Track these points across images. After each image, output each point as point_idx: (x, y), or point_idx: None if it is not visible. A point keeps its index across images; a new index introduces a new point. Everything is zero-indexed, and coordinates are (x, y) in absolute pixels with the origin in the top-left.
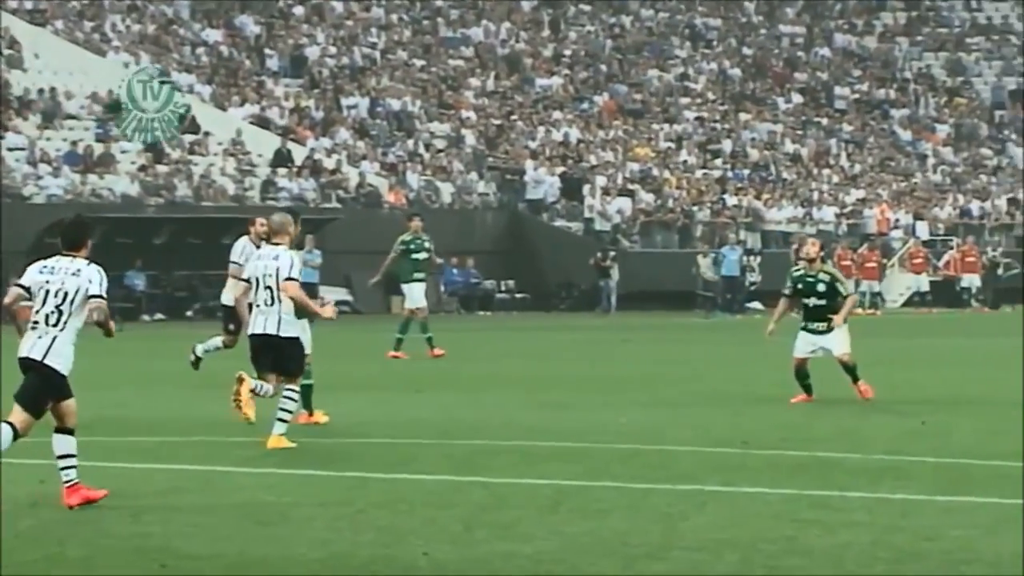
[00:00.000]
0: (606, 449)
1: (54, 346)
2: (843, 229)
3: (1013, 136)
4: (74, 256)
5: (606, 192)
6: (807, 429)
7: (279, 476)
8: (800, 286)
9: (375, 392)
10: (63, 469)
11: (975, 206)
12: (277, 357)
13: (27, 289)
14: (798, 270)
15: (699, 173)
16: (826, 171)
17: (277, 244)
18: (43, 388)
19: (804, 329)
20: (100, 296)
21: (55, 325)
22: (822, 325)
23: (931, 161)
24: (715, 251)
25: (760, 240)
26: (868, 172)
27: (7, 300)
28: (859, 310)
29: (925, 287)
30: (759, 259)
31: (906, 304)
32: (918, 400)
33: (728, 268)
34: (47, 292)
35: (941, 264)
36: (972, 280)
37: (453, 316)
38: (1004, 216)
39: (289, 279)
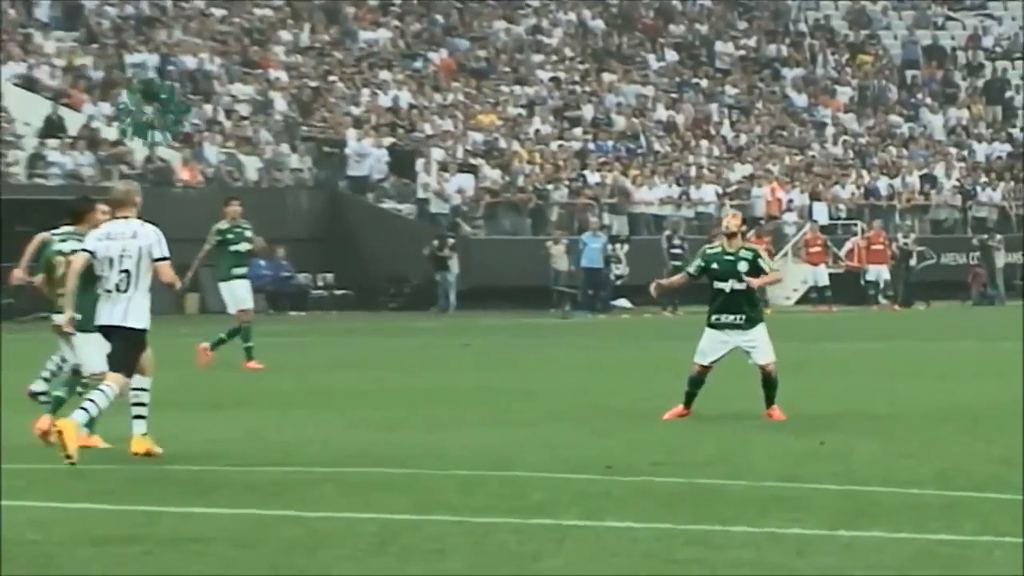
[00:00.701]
0: (442, 476)
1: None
2: (726, 211)
3: (928, 100)
4: (127, 217)
5: (444, 168)
6: (683, 451)
7: (47, 510)
8: (715, 266)
9: (166, 409)
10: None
11: (883, 184)
12: (116, 349)
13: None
14: (713, 248)
15: (555, 145)
16: (706, 143)
17: (126, 218)
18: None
19: (713, 326)
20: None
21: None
22: (739, 318)
23: (831, 131)
24: (573, 239)
25: (628, 225)
26: (756, 144)
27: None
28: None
29: (824, 280)
30: (627, 248)
31: (801, 301)
32: (815, 416)
33: (590, 259)
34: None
35: (843, 253)
36: (879, 272)
37: (260, 317)
38: (917, 196)
39: (164, 259)
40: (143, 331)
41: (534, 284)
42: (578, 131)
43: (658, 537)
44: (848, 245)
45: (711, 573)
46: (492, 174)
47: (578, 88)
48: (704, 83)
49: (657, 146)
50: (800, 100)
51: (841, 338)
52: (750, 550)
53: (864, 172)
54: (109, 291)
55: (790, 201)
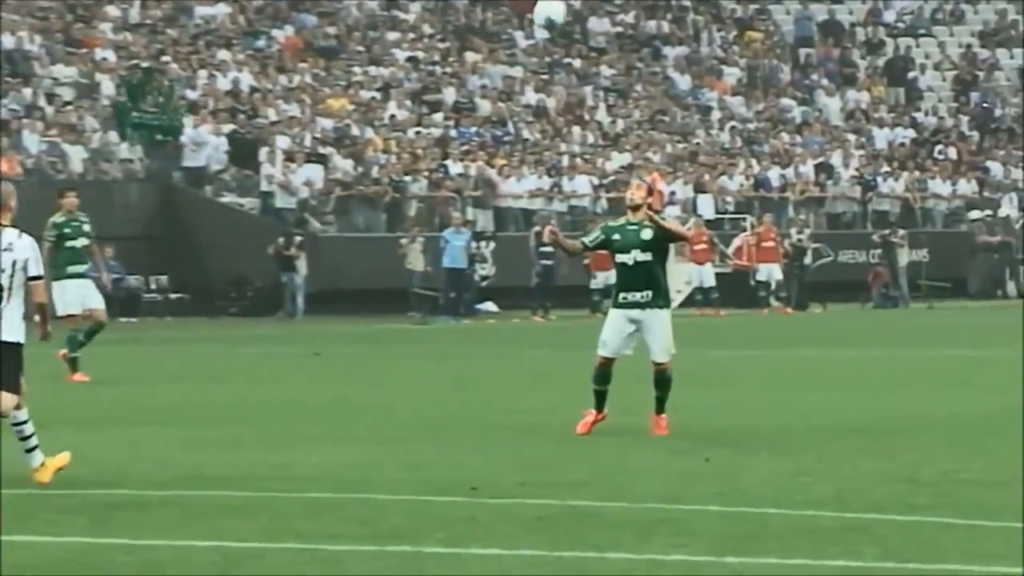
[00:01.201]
0: (290, 499)
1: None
2: (602, 205)
3: (824, 82)
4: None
5: (290, 158)
6: (555, 470)
7: None
8: (616, 237)
9: None
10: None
11: (774, 174)
12: None
13: None
14: (615, 220)
15: (413, 132)
16: (579, 129)
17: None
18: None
19: (619, 306)
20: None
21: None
22: (644, 295)
23: (717, 116)
24: (433, 236)
25: (494, 220)
26: (635, 130)
27: None
28: None
29: (710, 281)
30: (492, 246)
31: (685, 304)
32: (700, 431)
33: (452, 258)
34: None
35: (731, 251)
36: (771, 271)
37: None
38: (812, 187)
39: (37, 279)
40: (20, 345)
41: (391, 286)
42: (438, 116)
43: (528, 564)
44: (736, 242)
45: None
46: (343, 164)
47: (438, 69)
48: (577, 63)
49: (526, 133)
50: (683, 82)
51: (729, 344)
52: None
53: (754, 161)
54: None
55: (672, 194)
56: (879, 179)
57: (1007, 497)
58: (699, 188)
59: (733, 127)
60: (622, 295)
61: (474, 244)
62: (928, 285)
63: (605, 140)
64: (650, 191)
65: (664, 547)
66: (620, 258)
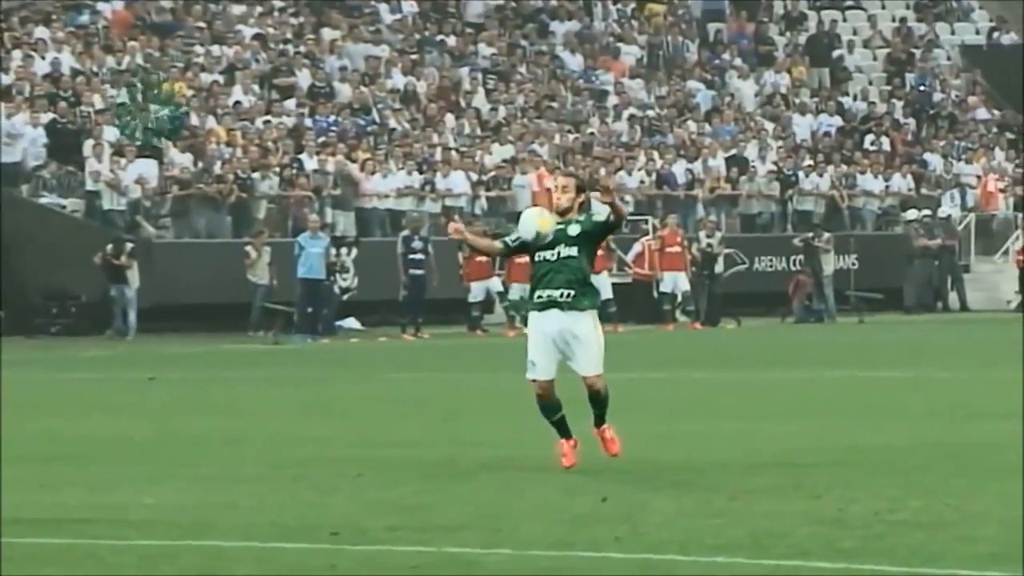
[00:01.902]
0: (121, 547)
1: None
2: (481, 205)
3: (736, 62)
4: None
5: (119, 152)
6: (429, 512)
7: None
8: (539, 232)
9: None
10: None
11: (680, 169)
12: None
13: None
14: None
15: (261, 121)
16: (454, 118)
17: None
18: None
19: (537, 307)
20: None
21: None
22: (566, 294)
23: (613, 101)
24: (285, 241)
25: (356, 224)
26: (518, 119)
27: None
28: (509, 331)
29: (606, 292)
30: (355, 253)
31: None
32: (595, 467)
33: (308, 267)
34: None
35: (630, 258)
36: (677, 281)
37: None
38: (723, 184)
39: None
40: None
41: (238, 300)
42: (291, 103)
43: None
44: (637, 248)
45: None
46: (181, 159)
47: (291, 48)
48: (452, 41)
49: (393, 122)
50: (574, 62)
51: (628, 365)
52: None
53: (656, 154)
54: None
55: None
56: (801, 174)
57: (947, 540)
58: (592, 185)
59: (632, 115)
60: (539, 293)
61: (333, 251)
62: (857, 296)
63: (484, 130)
64: (580, 188)
65: None
66: (542, 255)
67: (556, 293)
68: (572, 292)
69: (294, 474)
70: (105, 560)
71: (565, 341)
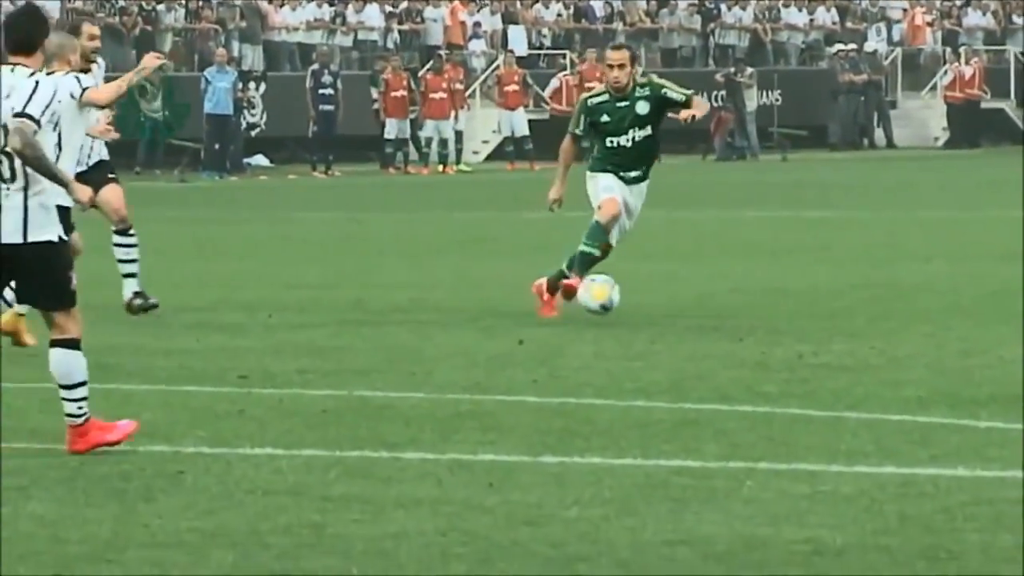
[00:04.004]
0: (22, 390)
1: (29, 211)
2: (394, 38)
3: None
4: (23, 64)
5: None
6: (339, 355)
7: None
8: (604, 118)
9: None
10: (73, 401)
11: (598, 2)
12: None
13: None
14: (597, 96)
15: None
16: None
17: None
18: (49, 271)
19: (612, 172)
20: (23, 115)
21: (12, 180)
22: (640, 173)
23: None
24: (192, 76)
25: (264, 58)
26: None
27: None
28: (424, 168)
29: (523, 129)
30: (263, 88)
31: (493, 156)
32: (511, 308)
33: (215, 102)
34: None
35: (547, 93)
36: None
37: None
38: (643, 17)
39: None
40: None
41: (137, 136)
42: None
43: (307, 466)
44: (554, 83)
45: (378, 513)
46: None
47: None
48: None
49: None
50: None
51: (544, 205)
52: (428, 482)
53: None
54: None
55: (477, 25)
56: (722, 7)
57: (872, 384)
58: (509, 18)
59: None
60: (615, 170)
61: (241, 86)
62: (781, 133)
63: None
64: (633, 59)
65: (470, 445)
66: (613, 140)
67: (629, 175)
68: (645, 169)
69: (199, 316)
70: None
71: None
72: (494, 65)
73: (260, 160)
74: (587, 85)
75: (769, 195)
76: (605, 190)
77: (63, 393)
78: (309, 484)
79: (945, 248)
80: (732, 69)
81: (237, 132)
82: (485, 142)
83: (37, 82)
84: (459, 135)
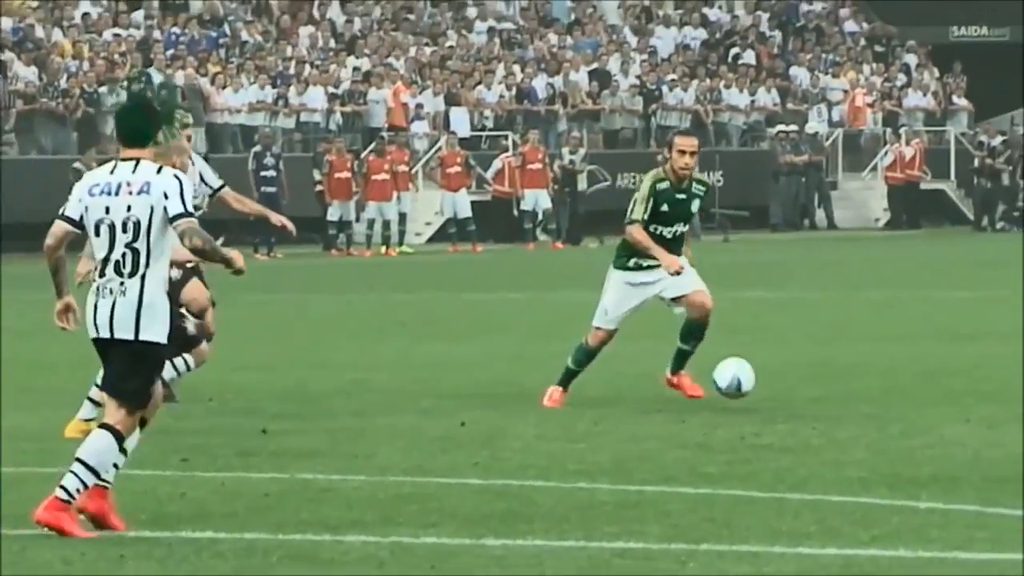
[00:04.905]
0: None
1: (143, 308)
2: (337, 120)
3: None
4: (138, 159)
5: None
6: (281, 437)
7: None
8: (665, 208)
9: None
10: (79, 479)
11: (540, 83)
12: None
13: (78, 223)
14: (662, 183)
15: (109, 34)
16: (310, 29)
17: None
18: (142, 369)
19: (629, 268)
20: (186, 214)
21: (132, 274)
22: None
23: (472, 12)
24: None
25: (207, 139)
26: (374, 31)
27: (49, 242)
28: (366, 250)
29: (465, 211)
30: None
31: (436, 237)
32: (453, 390)
33: None
34: (111, 226)
35: (490, 175)
36: (538, 199)
37: None
38: (586, 98)
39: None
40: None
41: None
42: (139, 15)
43: (248, 550)
44: (497, 164)
45: None
46: (26, 73)
47: None
48: None
49: (245, 35)
50: None
51: (488, 286)
52: (370, 565)
53: (516, 68)
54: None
55: (419, 107)
56: (664, 88)
57: (814, 465)
58: (451, 100)
59: (491, 27)
60: (636, 260)
61: None
62: (723, 214)
63: (339, 43)
64: (699, 146)
65: (412, 528)
66: (661, 230)
67: (648, 263)
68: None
69: None
70: None
71: (664, 289)
72: (436, 147)
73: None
74: (529, 168)
75: (710, 276)
76: (600, 316)
77: (76, 467)
78: (251, 567)
79: (885, 328)
80: None
81: None
82: (428, 224)
83: (178, 177)
84: (403, 217)
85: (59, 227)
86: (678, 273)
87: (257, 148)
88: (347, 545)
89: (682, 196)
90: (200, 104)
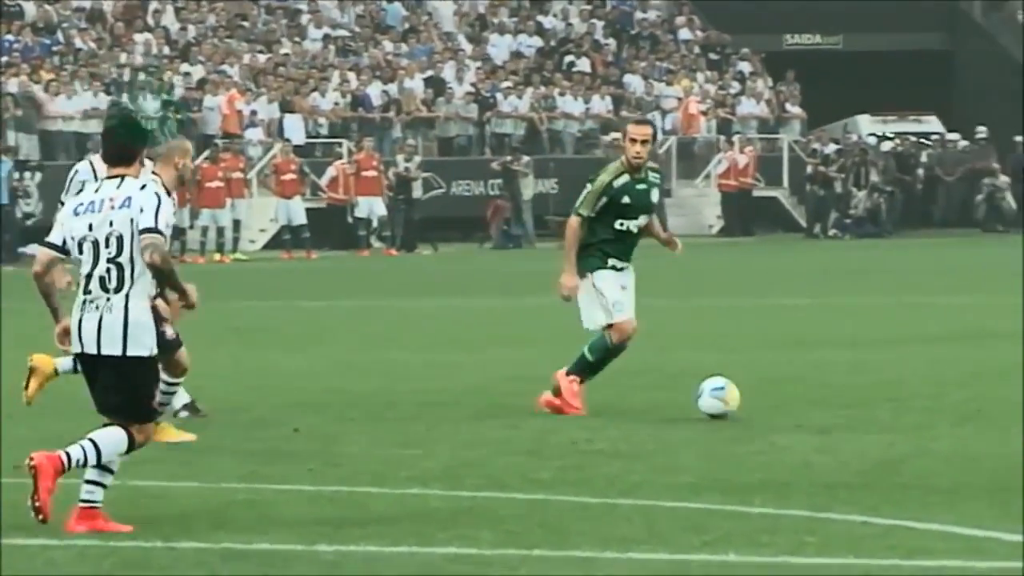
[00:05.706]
0: None
1: (130, 323)
2: (171, 128)
3: None
4: (123, 175)
5: None
6: None
7: None
8: (626, 200)
9: None
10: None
11: (375, 91)
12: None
13: (61, 248)
14: (620, 177)
15: None
16: (145, 36)
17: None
18: (137, 386)
19: (611, 267)
20: (154, 229)
21: (118, 290)
22: (627, 264)
23: (307, 20)
24: None
25: (40, 147)
26: (208, 38)
27: (36, 269)
28: (200, 258)
29: (300, 218)
30: (39, 177)
31: (270, 244)
32: (286, 398)
33: None
34: (95, 242)
35: (324, 182)
36: (372, 206)
37: None
38: (420, 106)
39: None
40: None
41: None
42: None
43: (79, 558)
44: (331, 171)
45: None
46: None
47: None
48: None
49: (78, 42)
50: None
51: (321, 294)
52: (202, 571)
53: (351, 75)
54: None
55: (253, 114)
56: (499, 96)
57: (645, 471)
58: (286, 107)
59: (326, 34)
60: (611, 257)
61: (16, 175)
62: (558, 221)
63: (173, 50)
64: (654, 135)
65: (243, 534)
66: (624, 225)
67: (622, 264)
68: (631, 259)
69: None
70: None
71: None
72: (271, 154)
73: (35, 249)
74: (363, 174)
75: (545, 283)
76: (617, 308)
77: (85, 443)
78: (83, 574)
79: (719, 336)
80: (508, 157)
81: (12, 222)
82: (262, 231)
83: (157, 195)
84: (237, 224)
85: (44, 254)
86: (567, 299)
87: (91, 156)
88: (179, 552)
89: (642, 187)
90: (34, 111)
